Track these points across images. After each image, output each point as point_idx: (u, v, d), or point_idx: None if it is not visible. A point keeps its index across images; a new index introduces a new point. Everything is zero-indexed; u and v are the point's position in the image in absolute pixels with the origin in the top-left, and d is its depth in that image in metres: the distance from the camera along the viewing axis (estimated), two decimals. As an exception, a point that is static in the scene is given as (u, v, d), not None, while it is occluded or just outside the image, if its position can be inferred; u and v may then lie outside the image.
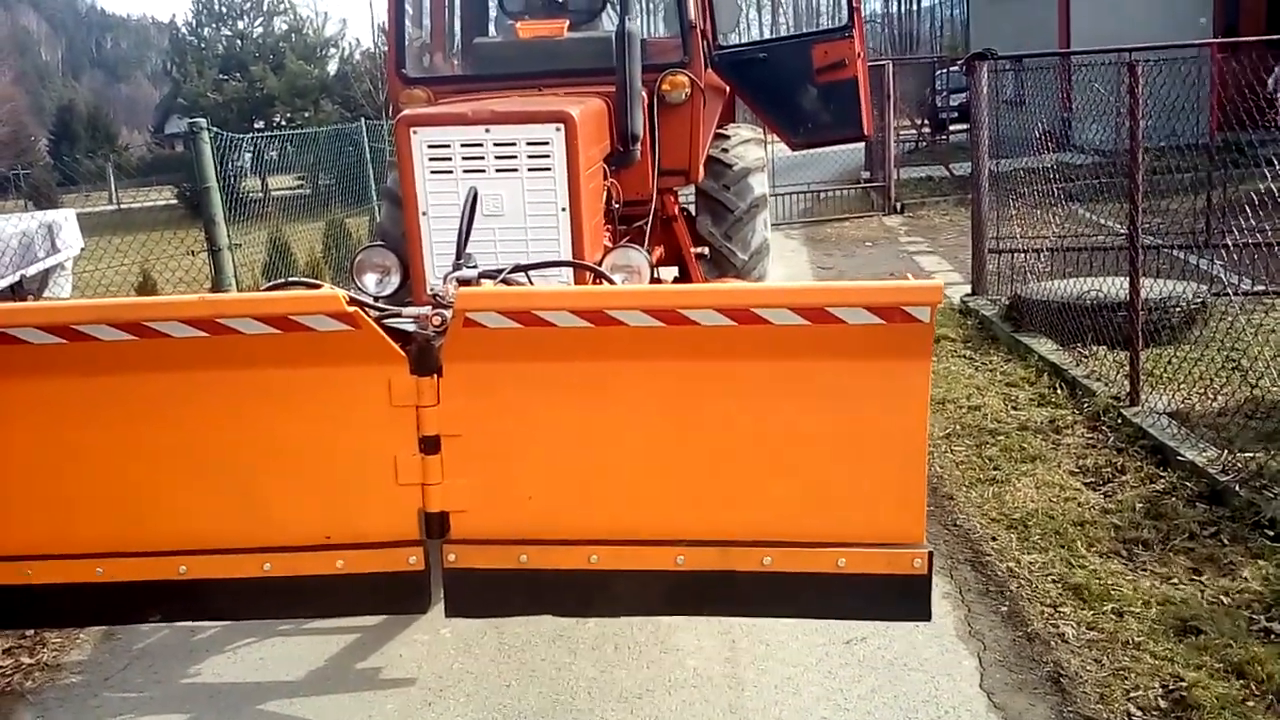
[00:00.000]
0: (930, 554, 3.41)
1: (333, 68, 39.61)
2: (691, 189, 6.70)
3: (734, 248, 6.43)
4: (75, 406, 3.47)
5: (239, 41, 39.43)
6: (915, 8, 67.49)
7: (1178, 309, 7.63)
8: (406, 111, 5.12)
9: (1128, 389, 6.49)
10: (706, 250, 6.55)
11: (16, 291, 9.87)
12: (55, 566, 3.55)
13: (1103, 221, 9.59)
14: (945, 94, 26.09)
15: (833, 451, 3.36)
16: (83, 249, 11.43)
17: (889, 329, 3.18)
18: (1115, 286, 7.28)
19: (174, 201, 28.88)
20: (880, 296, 3.18)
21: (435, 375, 3.44)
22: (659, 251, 6.42)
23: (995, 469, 5.91)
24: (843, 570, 3.38)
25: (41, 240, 10.38)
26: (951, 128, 25.33)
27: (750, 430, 3.38)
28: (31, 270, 10.17)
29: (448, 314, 3.80)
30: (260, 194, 16.19)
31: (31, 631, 4.75)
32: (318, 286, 3.71)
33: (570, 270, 4.85)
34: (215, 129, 8.34)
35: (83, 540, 3.55)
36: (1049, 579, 4.68)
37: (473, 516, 3.51)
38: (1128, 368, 6.54)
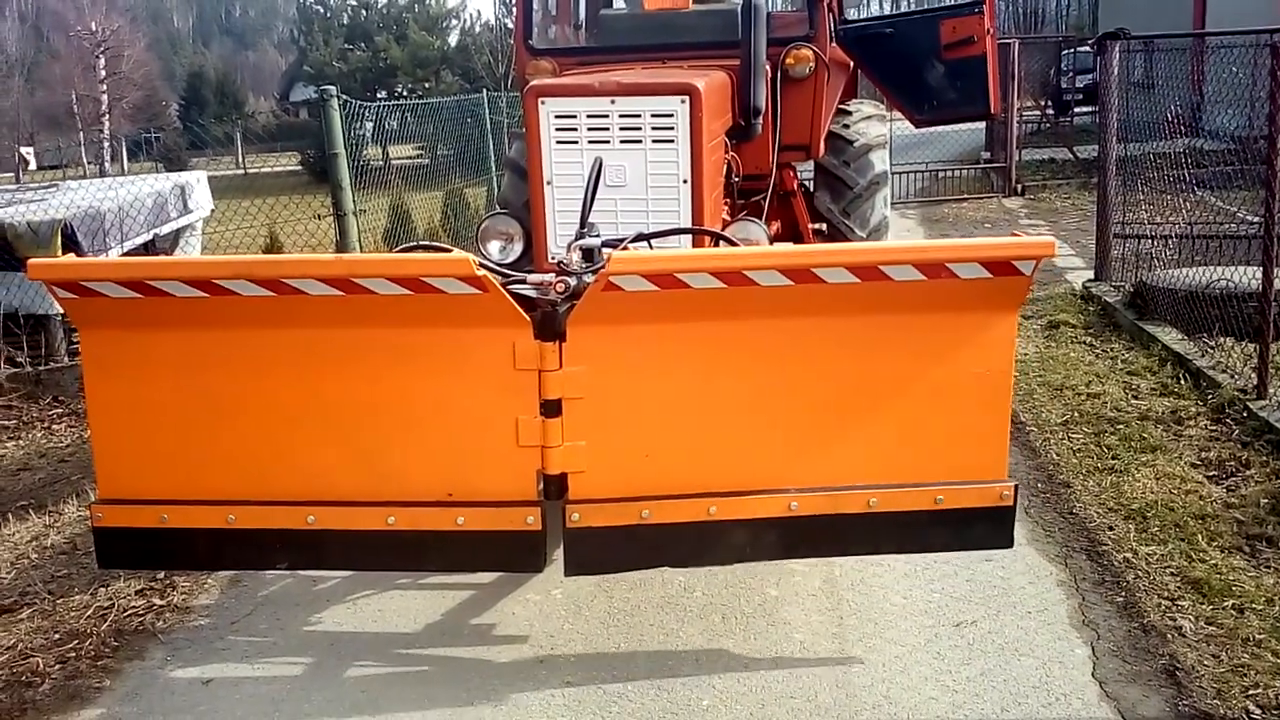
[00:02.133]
0: (1016, 486, 3.76)
1: (454, 39, 40.13)
2: (810, 164, 6.66)
3: (852, 224, 6.38)
4: (213, 359, 3.62)
5: (364, 11, 40.17)
6: (1042, -15, 65.70)
7: (1312, 301, 7.35)
8: (535, 82, 5.17)
9: (1255, 382, 6.30)
10: (824, 227, 6.51)
11: (149, 249, 10.24)
12: (189, 512, 3.72)
13: (1234, 210, 9.28)
14: (1071, 74, 25.37)
15: (932, 397, 3.65)
16: (212, 210, 11.79)
17: (994, 282, 3.47)
18: (1246, 276, 7.05)
19: (298, 167, 29.55)
20: (996, 251, 3.47)
21: (558, 340, 3.53)
22: (776, 226, 6.40)
23: (1114, 458, 5.79)
24: (940, 506, 3.71)
25: (174, 201, 10.74)
26: (1076, 109, 24.67)
27: (859, 380, 3.63)
28: (164, 229, 10.53)
29: (572, 281, 3.90)
30: (381, 162, 16.50)
31: (163, 574, 4.98)
32: (447, 251, 3.81)
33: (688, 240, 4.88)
34: (344, 97, 8.51)
35: (216, 488, 3.70)
36: (1167, 571, 4.59)
37: (591, 476, 3.62)
38: (1256, 360, 6.34)
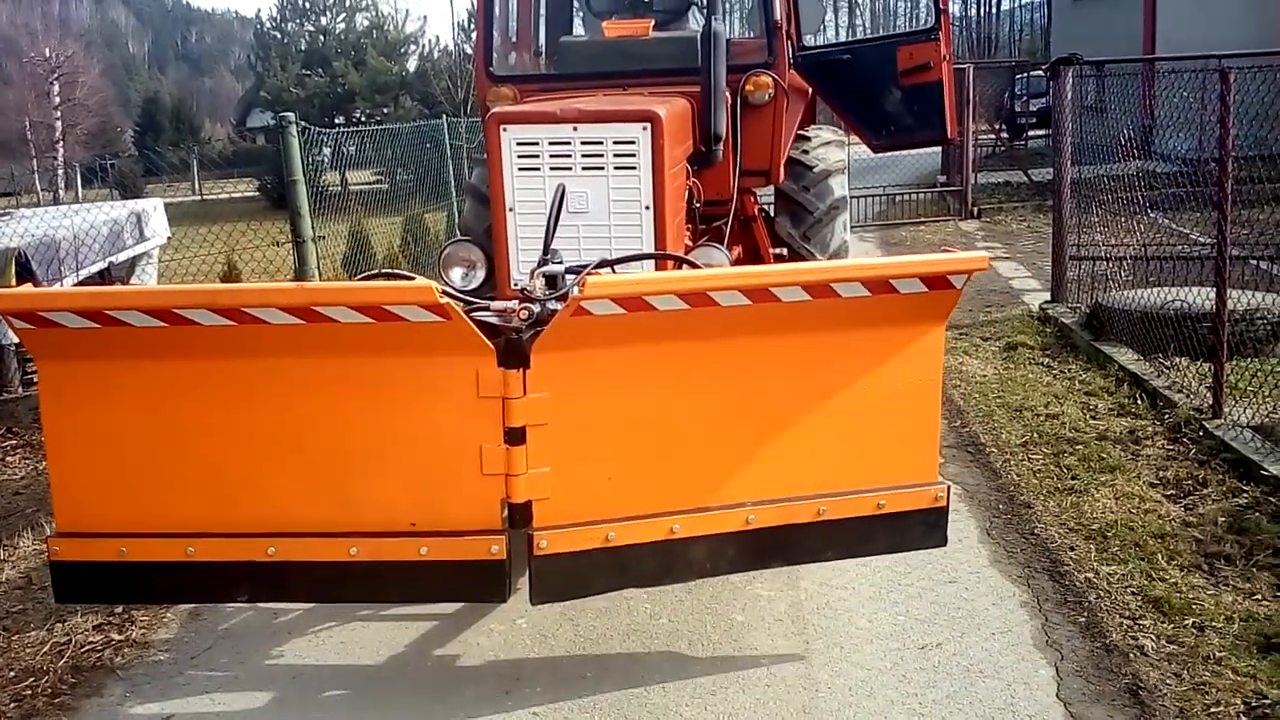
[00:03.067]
0: (948, 487, 4.04)
1: (412, 64, 40.05)
2: (770, 190, 6.70)
3: (812, 249, 6.41)
4: (173, 389, 3.60)
5: (321, 37, 40.01)
6: (994, 10, 66.78)
7: (1264, 321, 7.47)
8: (497, 109, 5.18)
9: (1210, 401, 6.39)
10: (785, 251, 6.54)
11: (105, 278, 10.10)
12: (148, 545, 3.68)
13: (1185, 231, 9.42)
14: (1025, 98, 25.74)
15: (872, 407, 3.85)
16: (169, 237, 11.67)
17: (929, 295, 3.71)
18: (1200, 297, 7.16)
19: (255, 194, 29.36)
20: (935, 267, 3.70)
21: (522, 367, 3.52)
22: (737, 251, 6.42)
23: (1073, 478, 5.84)
24: (882, 510, 3.92)
25: (130, 229, 10.62)
26: (1030, 133, 25.00)
27: (808, 394, 3.80)
28: (120, 257, 10.41)
29: (535, 308, 3.90)
30: (339, 188, 16.43)
31: (120, 609, 4.90)
32: (409, 279, 3.79)
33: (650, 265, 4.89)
34: (302, 123, 8.48)
35: (176, 520, 3.67)
36: (1128, 591, 4.63)
37: (555, 502, 3.63)
38: (1211, 379, 6.43)
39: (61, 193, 38.53)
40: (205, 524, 3.66)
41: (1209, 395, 6.42)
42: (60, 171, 42.39)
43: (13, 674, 4.42)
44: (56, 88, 46.81)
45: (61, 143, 45.17)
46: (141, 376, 3.57)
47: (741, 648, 4.38)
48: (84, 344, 3.46)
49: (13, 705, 4.20)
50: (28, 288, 3.91)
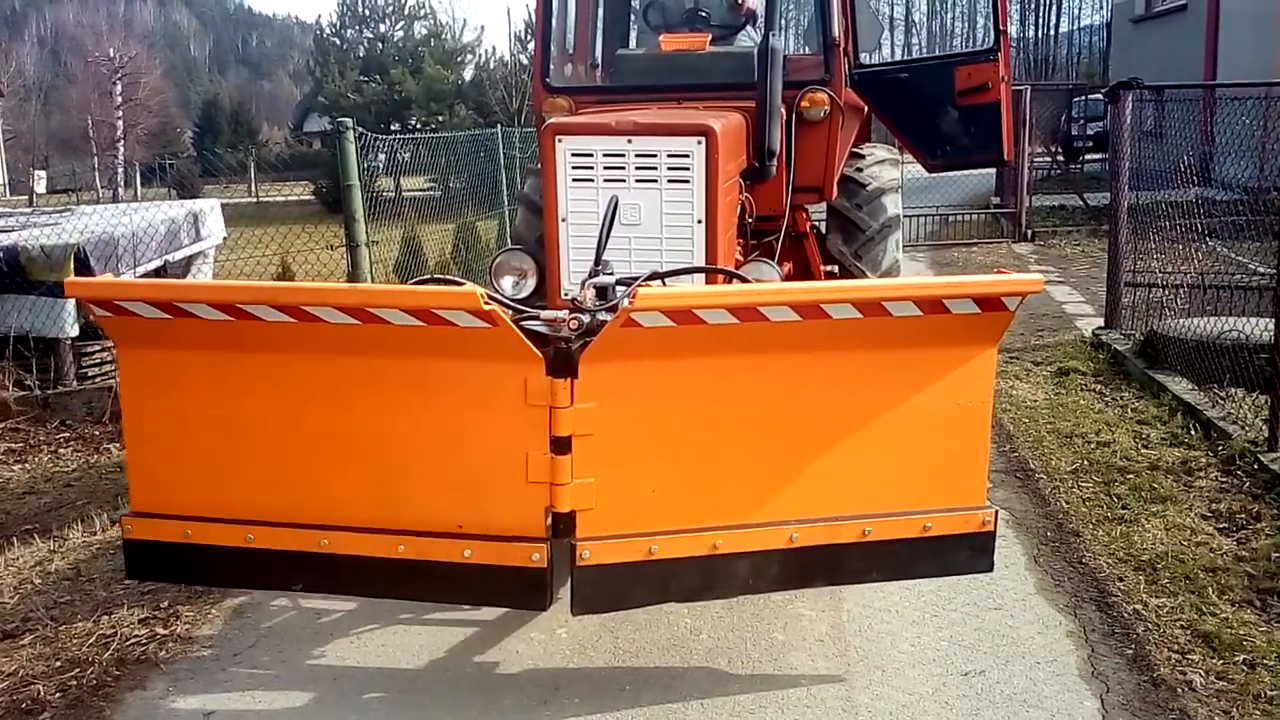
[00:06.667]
0: (996, 512, 3.97)
1: (468, 73, 40.33)
2: (823, 206, 6.67)
3: (864, 267, 6.38)
4: (236, 379, 3.70)
5: (380, 44, 40.36)
6: (1053, 33, 66.34)
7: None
8: (552, 120, 5.20)
9: (1266, 434, 6.27)
10: (836, 269, 6.52)
11: (160, 275, 10.26)
12: (211, 529, 3.78)
13: (1244, 260, 9.27)
14: (1081, 121, 25.47)
15: (921, 428, 3.80)
16: (225, 238, 11.83)
17: (982, 317, 3.67)
18: (1258, 327, 7.04)
19: (310, 197, 29.67)
20: (989, 288, 3.66)
21: (570, 377, 3.53)
22: (788, 267, 6.40)
23: (1124, 508, 5.76)
24: (928, 533, 3.86)
25: (187, 228, 10.78)
26: (1086, 156, 24.72)
27: (856, 413, 3.76)
28: (176, 256, 10.57)
29: (585, 318, 3.91)
30: (392, 194, 16.56)
31: (166, 603, 4.96)
32: (459, 284, 3.82)
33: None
34: (359, 129, 8.54)
35: (237, 507, 3.76)
36: (1177, 624, 4.55)
37: (599, 513, 3.64)
38: (1267, 412, 6.32)
39: (121, 191, 39.18)
40: (264, 512, 3.75)
41: (1265, 428, 6.30)
42: (120, 170, 43.14)
43: (59, 664, 4.48)
44: (119, 87, 47.74)
45: (122, 142, 46.04)
46: (208, 366, 3.68)
47: (781, 667, 4.35)
48: (156, 333, 3.59)
49: (58, 694, 4.26)
50: (107, 277, 4.02)
